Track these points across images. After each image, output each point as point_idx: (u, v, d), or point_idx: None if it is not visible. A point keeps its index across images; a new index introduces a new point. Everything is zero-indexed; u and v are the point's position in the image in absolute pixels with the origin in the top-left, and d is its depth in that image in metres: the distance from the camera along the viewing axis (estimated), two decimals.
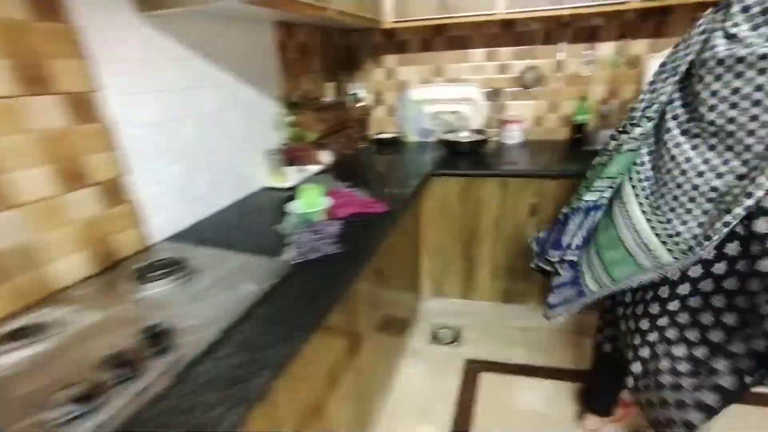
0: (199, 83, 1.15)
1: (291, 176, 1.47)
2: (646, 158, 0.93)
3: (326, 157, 1.74)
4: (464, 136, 1.94)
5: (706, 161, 0.81)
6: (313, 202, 1.18)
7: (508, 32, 1.88)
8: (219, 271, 0.87)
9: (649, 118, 0.89)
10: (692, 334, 0.87)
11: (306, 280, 0.84)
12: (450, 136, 1.92)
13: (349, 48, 2.09)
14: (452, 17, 1.66)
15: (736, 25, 0.73)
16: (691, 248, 0.81)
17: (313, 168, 1.62)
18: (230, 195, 1.33)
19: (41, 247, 0.80)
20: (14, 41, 0.73)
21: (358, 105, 2.10)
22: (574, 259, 1.12)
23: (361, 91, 2.12)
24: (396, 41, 2.03)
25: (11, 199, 0.75)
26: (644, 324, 0.93)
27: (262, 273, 0.85)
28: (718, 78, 0.76)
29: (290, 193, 1.31)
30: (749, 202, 0.72)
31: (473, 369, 1.59)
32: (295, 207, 1.18)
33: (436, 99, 2.02)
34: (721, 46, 0.75)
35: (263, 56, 1.44)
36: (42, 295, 0.80)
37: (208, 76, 1.18)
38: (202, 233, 1.11)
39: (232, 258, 0.93)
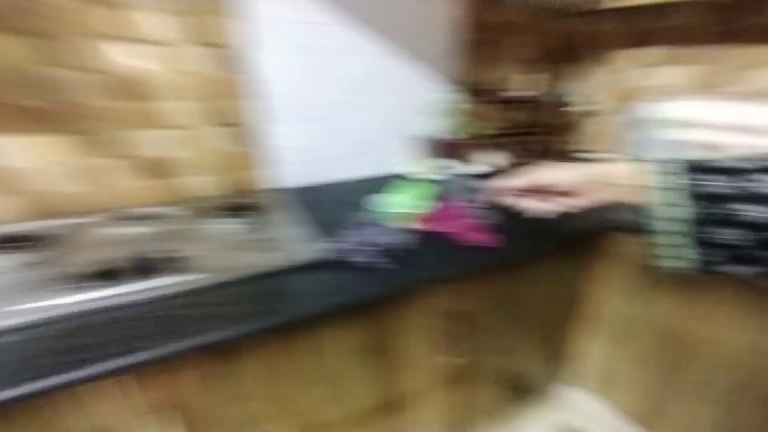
0: (348, 51, 1.15)
1: (432, 168, 1.32)
2: None
3: (496, 159, 1.45)
4: None
5: None
6: (406, 201, 1.02)
7: None
8: (276, 231, 0.91)
9: None
10: None
11: (317, 280, 0.76)
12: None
13: (567, 35, 1.55)
14: None
15: None
16: None
17: (470, 167, 1.39)
18: (358, 169, 1.33)
19: (179, 163, 1.05)
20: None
21: (567, 108, 1.61)
22: None
23: (578, 91, 1.60)
24: (639, 30, 1.38)
25: (164, 121, 0.99)
26: None
27: (295, 251, 0.82)
28: None
29: (401, 183, 1.18)
30: None
31: None
32: (383, 200, 1.05)
33: (707, 122, 1.28)
34: None
35: (435, 32, 1.28)
36: (174, 198, 1.07)
37: (359, 45, 1.16)
38: (308, 195, 1.16)
39: (297, 228, 0.93)
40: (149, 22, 0.90)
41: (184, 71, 0.97)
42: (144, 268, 0.72)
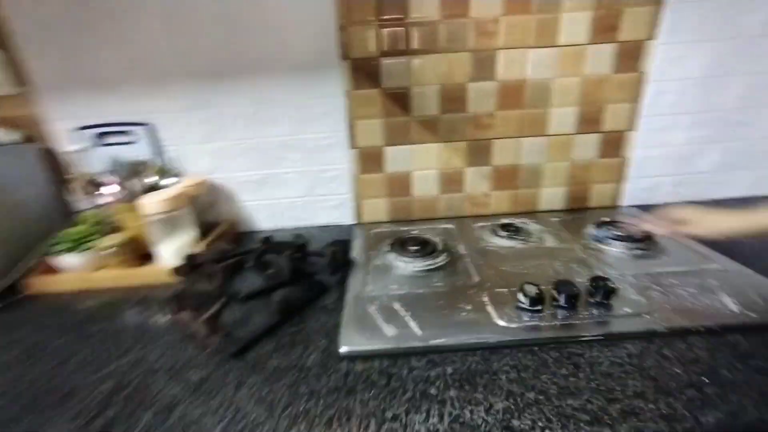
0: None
1: None
2: None
3: None
4: None
5: None
6: None
7: None
8: (688, 264, 0.73)
9: None
10: None
11: None
12: None
13: None
14: None
15: None
16: None
17: None
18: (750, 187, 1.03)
19: (543, 172, 0.98)
20: None
21: None
22: None
23: None
24: None
25: (544, 129, 0.94)
26: None
27: (751, 294, 0.63)
28: None
29: None
30: None
31: None
32: None
33: None
34: None
35: None
36: (528, 208, 1.01)
37: None
38: None
39: (717, 261, 0.74)
40: (564, 24, 0.85)
41: (577, 74, 0.89)
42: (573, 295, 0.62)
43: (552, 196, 1.00)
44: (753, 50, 0.89)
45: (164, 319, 0.68)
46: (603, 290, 0.62)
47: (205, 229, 0.90)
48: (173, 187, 0.85)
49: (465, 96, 0.90)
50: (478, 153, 0.96)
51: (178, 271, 0.73)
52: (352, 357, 0.56)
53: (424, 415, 0.47)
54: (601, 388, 0.49)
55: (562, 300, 0.61)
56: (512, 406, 0.47)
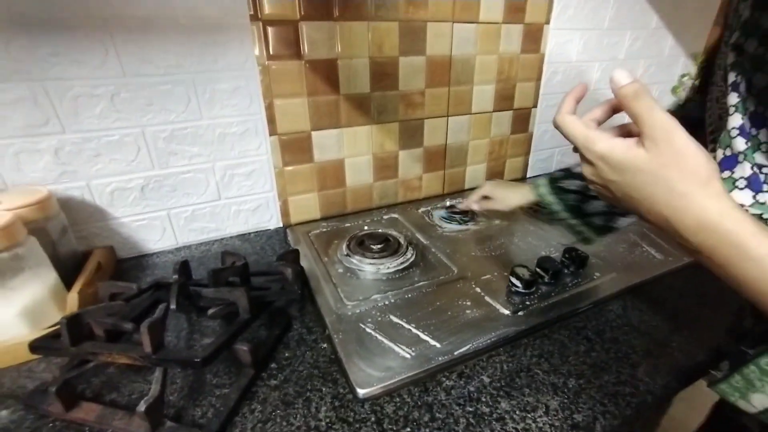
0: (623, 26, 1.07)
1: None
2: None
3: None
4: None
5: None
6: None
7: None
8: None
9: None
10: None
11: None
12: None
13: None
14: None
15: None
16: None
17: None
18: None
19: (467, 151, 0.99)
20: None
21: None
22: None
23: None
24: None
25: (469, 107, 0.94)
26: None
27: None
28: None
29: None
30: None
31: None
32: None
33: None
34: None
35: None
36: (456, 188, 1.02)
37: (638, 21, 1.08)
38: None
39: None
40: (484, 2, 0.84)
41: (494, 51, 0.91)
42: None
43: (475, 173, 1.03)
44: (607, 41, 1.07)
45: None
46: (577, 260, 0.66)
47: (66, 268, 0.60)
48: None
49: (397, 72, 0.82)
50: (411, 134, 0.90)
51: (39, 347, 0.46)
52: (376, 398, 0.45)
53: None
54: (619, 355, 0.52)
55: (547, 277, 0.63)
56: (565, 400, 0.45)
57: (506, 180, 1.09)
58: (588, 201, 0.59)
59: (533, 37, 0.94)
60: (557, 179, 0.64)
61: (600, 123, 0.36)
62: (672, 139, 0.28)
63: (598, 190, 0.35)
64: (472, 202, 0.80)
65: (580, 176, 0.57)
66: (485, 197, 0.78)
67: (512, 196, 0.73)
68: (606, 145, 0.31)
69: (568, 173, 0.63)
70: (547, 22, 0.94)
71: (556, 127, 0.35)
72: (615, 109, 0.35)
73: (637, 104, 0.29)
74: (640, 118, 0.29)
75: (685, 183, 0.28)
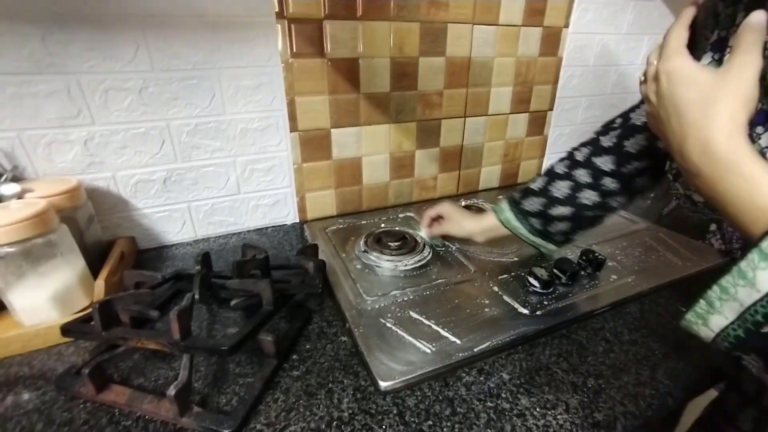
0: (642, 31, 1.07)
1: None
2: None
3: None
4: None
5: None
6: None
7: None
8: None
9: None
10: None
11: None
12: None
13: None
14: None
15: None
16: None
17: None
18: None
19: (483, 152, 1.00)
20: None
21: None
22: None
23: None
24: None
25: (486, 109, 0.94)
26: None
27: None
28: None
29: None
30: None
31: None
32: None
33: None
34: None
35: None
36: (470, 189, 1.03)
37: (656, 27, 1.08)
38: None
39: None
40: (504, 2, 0.84)
41: (512, 54, 0.91)
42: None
43: (489, 174, 1.04)
44: (626, 45, 1.07)
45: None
46: (594, 262, 0.66)
47: (92, 256, 0.62)
48: (25, 199, 0.54)
49: (416, 72, 0.83)
50: (428, 134, 0.91)
51: (70, 330, 0.47)
52: (397, 391, 0.46)
53: None
54: (638, 357, 0.52)
55: (564, 278, 0.63)
56: (585, 399, 0.46)
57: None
58: (551, 222, 0.62)
59: (551, 41, 0.95)
60: (518, 201, 0.65)
61: None
62: (742, 75, 0.30)
63: (651, 110, 0.38)
64: (423, 226, 0.76)
65: (537, 192, 0.62)
66: (440, 217, 0.74)
67: (469, 222, 0.70)
68: (686, 60, 0.34)
69: (526, 191, 0.64)
70: (566, 25, 0.95)
71: (668, 33, 0.36)
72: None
73: (745, 35, 0.30)
74: (737, 47, 0.31)
75: (721, 106, 0.30)
